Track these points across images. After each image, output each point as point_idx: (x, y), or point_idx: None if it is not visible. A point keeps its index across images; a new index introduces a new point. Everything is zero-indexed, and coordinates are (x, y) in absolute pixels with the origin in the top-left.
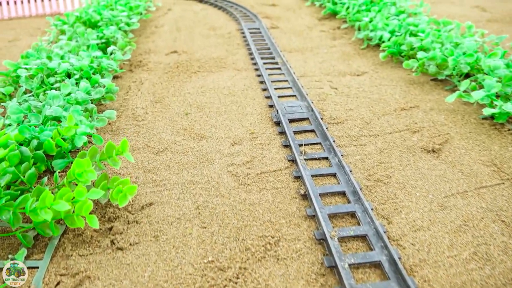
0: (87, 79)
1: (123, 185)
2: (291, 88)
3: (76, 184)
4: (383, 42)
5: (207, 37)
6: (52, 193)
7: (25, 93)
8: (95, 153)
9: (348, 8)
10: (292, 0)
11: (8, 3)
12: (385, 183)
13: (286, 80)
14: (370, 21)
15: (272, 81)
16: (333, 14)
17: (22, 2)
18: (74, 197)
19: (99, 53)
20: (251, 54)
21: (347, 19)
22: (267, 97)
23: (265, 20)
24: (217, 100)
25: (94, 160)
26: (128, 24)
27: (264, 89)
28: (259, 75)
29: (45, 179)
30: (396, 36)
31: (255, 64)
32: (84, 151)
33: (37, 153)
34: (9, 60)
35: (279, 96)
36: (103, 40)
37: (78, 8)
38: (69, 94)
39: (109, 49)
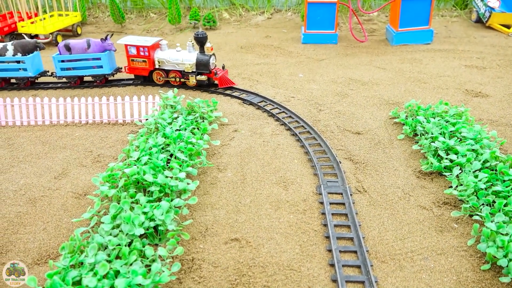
0: None
1: None
2: None
3: None
4: None
5: (276, 208)
6: None
7: None
8: None
9: (460, 172)
10: (381, 122)
11: (65, 106)
12: None
13: None
14: (498, 229)
15: None
16: (437, 170)
17: (79, 107)
18: None
19: (140, 279)
20: (332, 264)
21: (461, 203)
22: None
23: (348, 165)
24: None
25: None
26: (184, 191)
27: None
28: None
29: None
30: None
31: None
32: None
33: None
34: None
35: None
36: (152, 224)
37: (132, 165)
38: None
39: (154, 267)
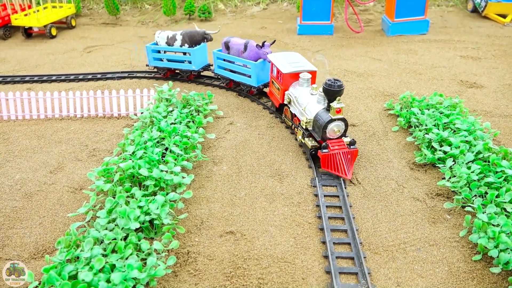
0: None
1: None
2: None
3: None
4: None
5: (271, 201)
6: None
7: None
8: None
9: (454, 164)
10: (375, 114)
11: (60, 100)
12: None
13: None
14: (490, 220)
15: None
16: (430, 162)
17: (74, 100)
18: None
19: (135, 272)
20: (326, 256)
21: (454, 194)
22: None
23: None
24: None
25: None
26: (180, 185)
27: None
28: None
29: None
30: None
31: None
32: None
33: None
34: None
35: None
36: (147, 218)
37: (127, 160)
38: None
39: (150, 261)
